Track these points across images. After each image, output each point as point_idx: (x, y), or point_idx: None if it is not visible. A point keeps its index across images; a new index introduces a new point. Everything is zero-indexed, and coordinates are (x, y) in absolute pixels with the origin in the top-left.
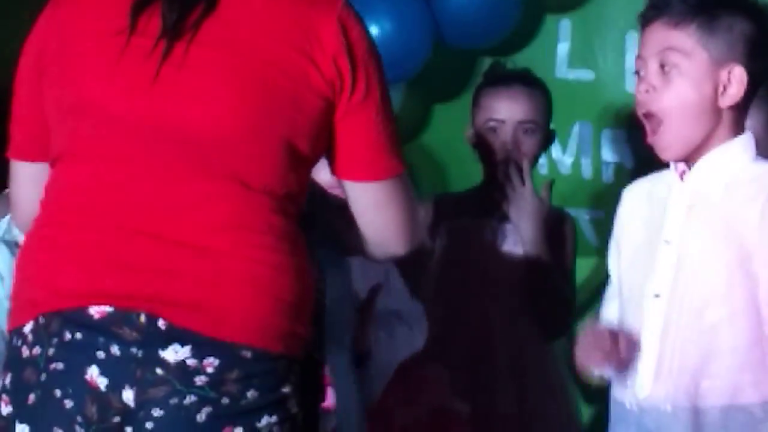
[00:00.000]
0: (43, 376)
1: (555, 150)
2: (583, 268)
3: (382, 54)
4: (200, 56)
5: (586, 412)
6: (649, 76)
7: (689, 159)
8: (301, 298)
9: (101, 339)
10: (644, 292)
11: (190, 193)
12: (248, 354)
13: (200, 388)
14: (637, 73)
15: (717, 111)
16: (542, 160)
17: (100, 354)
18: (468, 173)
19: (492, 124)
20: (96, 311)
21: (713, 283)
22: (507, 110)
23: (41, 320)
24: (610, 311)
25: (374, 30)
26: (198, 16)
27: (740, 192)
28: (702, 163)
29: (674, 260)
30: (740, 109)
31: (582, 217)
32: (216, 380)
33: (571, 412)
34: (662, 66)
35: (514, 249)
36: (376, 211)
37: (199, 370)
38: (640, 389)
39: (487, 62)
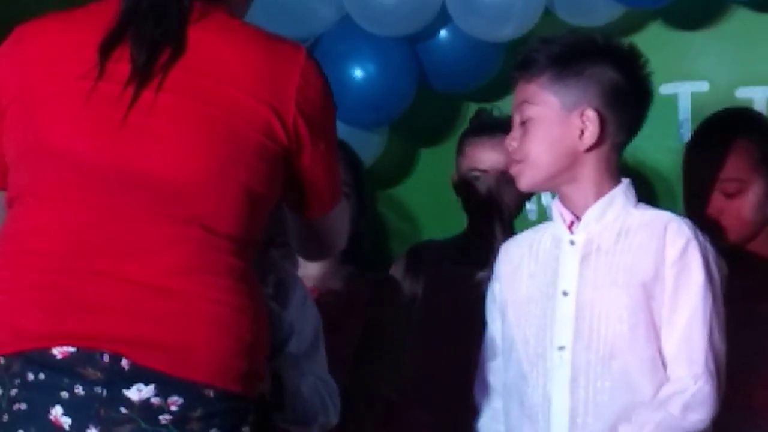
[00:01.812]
0: (5, 417)
1: (544, 196)
2: None
3: (367, 97)
4: (166, 103)
5: None
6: (513, 131)
7: (574, 210)
8: (259, 338)
9: (65, 379)
10: (546, 345)
11: (152, 236)
12: (211, 393)
13: (165, 426)
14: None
15: (578, 154)
16: (531, 206)
17: (64, 394)
18: (451, 219)
19: (475, 173)
20: (59, 352)
21: (617, 330)
22: (490, 160)
23: (2, 361)
24: (492, 370)
25: (359, 73)
26: (166, 59)
27: (633, 240)
28: (590, 213)
29: (573, 311)
30: (608, 153)
31: None
32: (180, 418)
33: None
34: (522, 120)
35: None
36: (317, 231)
37: (164, 409)
38: None
39: (473, 107)
